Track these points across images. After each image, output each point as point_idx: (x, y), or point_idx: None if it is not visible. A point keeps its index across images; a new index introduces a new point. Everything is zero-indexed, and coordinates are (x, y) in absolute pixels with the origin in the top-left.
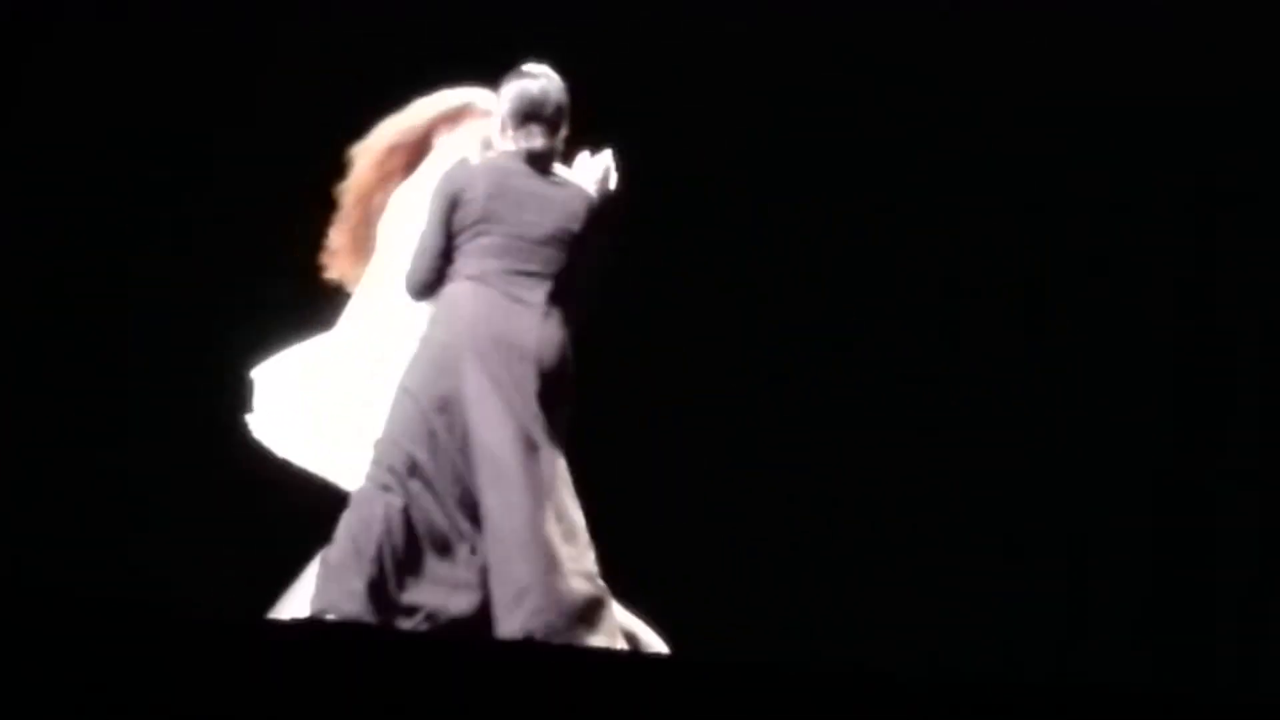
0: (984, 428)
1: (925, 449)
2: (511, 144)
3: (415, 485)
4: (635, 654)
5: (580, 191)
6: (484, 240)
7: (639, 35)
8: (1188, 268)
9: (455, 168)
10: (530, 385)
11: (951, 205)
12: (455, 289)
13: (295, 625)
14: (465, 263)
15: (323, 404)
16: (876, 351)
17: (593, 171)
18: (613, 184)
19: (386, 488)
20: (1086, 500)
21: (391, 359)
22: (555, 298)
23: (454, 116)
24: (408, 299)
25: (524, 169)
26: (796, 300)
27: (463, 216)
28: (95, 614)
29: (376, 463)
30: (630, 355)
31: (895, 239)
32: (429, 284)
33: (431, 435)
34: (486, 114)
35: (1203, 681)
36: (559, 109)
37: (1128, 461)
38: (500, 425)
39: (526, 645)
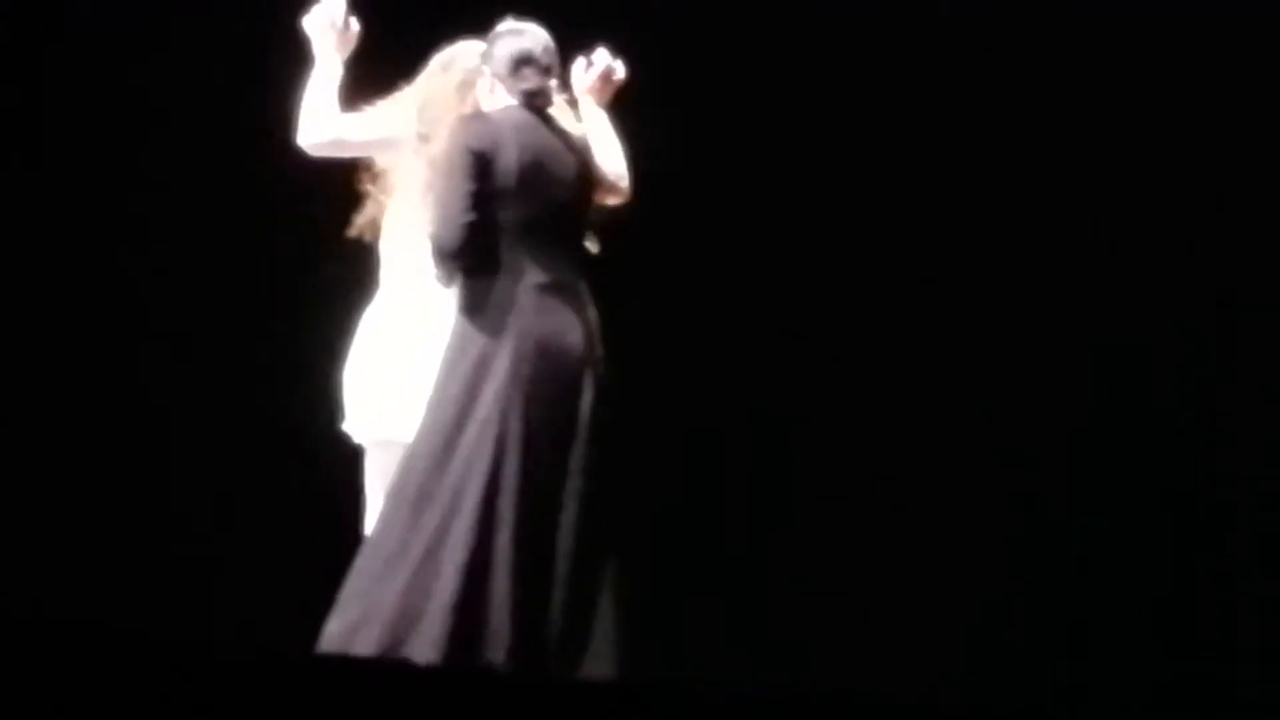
0: (987, 441)
1: (926, 463)
2: (505, 96)
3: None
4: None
5: (587, 143)
6: (520, 212)
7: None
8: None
9: (477, 122)
10: (572, 391)
11: (944, 207)
12: (490, 278)
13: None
14: (495, 239)
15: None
16: (872, 353)
17: (595, 71)
18: (619, 77)
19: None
20: (1097, 522)
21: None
22: (581, 268)
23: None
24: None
25: (536, 122)
26: (795, 299)
27: (495, 183)
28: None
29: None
30: None
31: (878, 266)
32: (464, 249)
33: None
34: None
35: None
36: (550, 53)
37: (1140, 476)
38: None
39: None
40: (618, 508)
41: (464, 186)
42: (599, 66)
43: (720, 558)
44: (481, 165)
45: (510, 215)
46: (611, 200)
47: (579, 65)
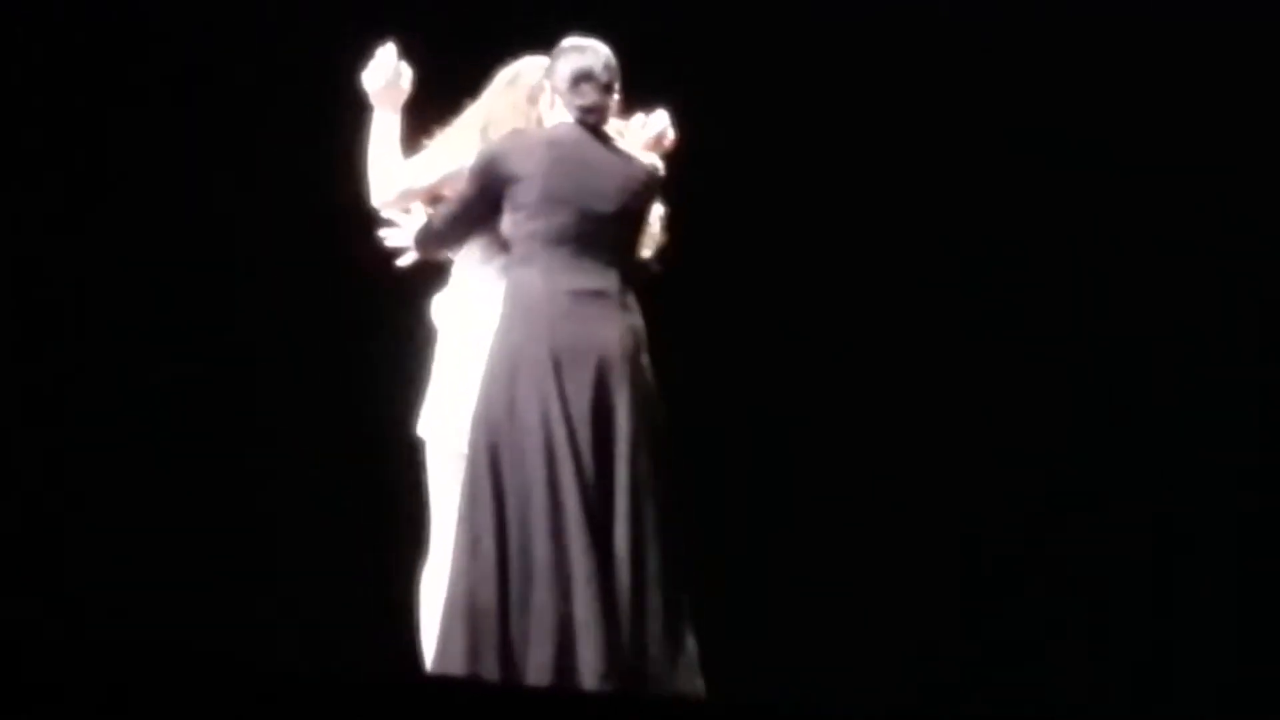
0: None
1: (926, 463)
2: (564, 112)
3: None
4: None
5: (642, 163)
6: (551, 221)
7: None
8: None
9: (506, 139)
10: (610, 395)
11: (943, 207)
12: (527, 282)
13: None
14: (530, 247)
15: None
16: (872, 353)
17: (649, 131)
18: (670, 141)
19: (477, 539)
20: (1095, 521)
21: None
22: (627, 278)
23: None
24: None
25: (582, 136)
26: (795, 299)
27: (519, 194)
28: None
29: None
30: None
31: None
32: (438, 245)
33: (514, 458)
34: (534, 83)
35: None
36: (611, 70)
37: (1135, 476)
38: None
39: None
40: (678, 520)
41: (467, 193)
42: (654, 128)
43: (720, 558)
44: (500, 182)
45: (541, 225)
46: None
47: (637, 119)
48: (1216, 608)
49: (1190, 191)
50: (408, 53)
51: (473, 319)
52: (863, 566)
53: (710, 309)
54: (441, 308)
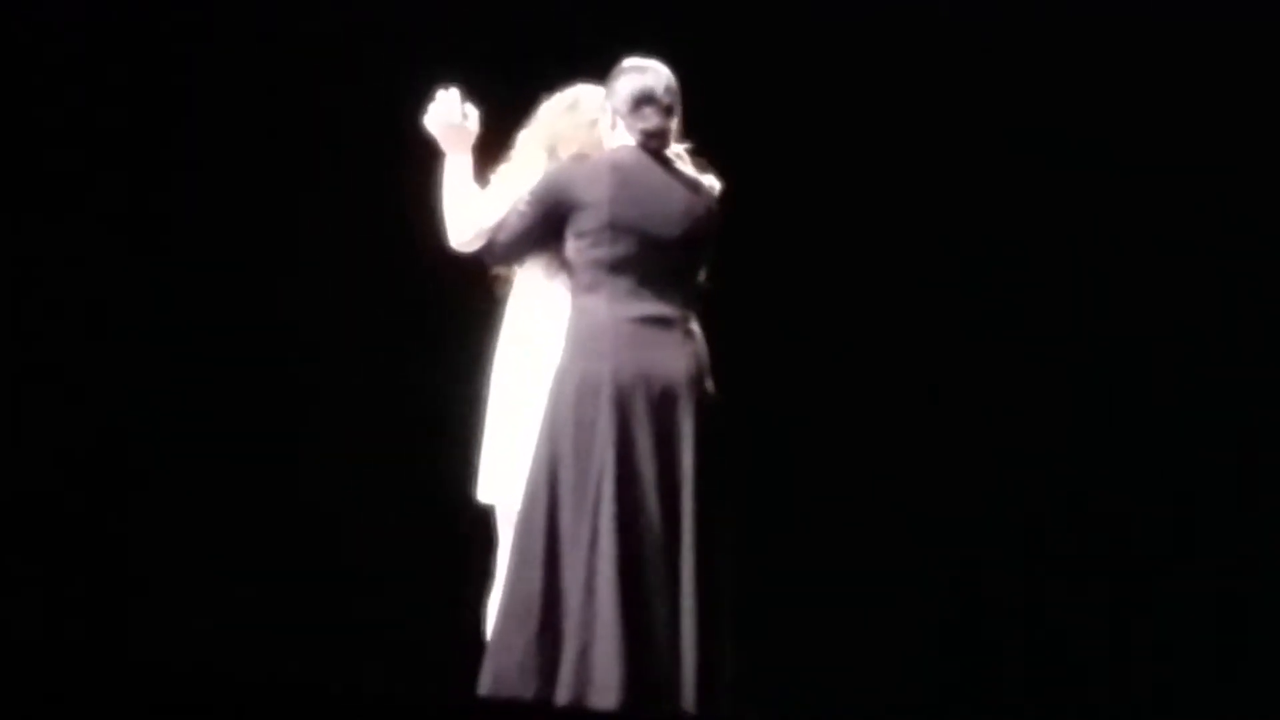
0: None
1: (926, 463)
2: (625, 135)
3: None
4: None
5: (706, 187)
6: (615, 249)
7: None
8: None
9: (571, 164)
10: (673, 421)
11: (942, 207)
12: (591, 309)
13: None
14: (595, 275)
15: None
16: (872, 353)
17: None
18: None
19: (527, 563)
20: (1093, 523)
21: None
22: (690, 305)
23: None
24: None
25: (645, 161)
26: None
27: (583, 221)
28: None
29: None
30: None
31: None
32: (499, 263)
33: (574, 484)
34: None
35: None
36: (672, 92)
37: (1133, 477)
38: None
39: None
40: (732, 546)
41: (534, 222)
42: None
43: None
44: (565, 207)
45: (605, 253)
46: None
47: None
48: (1216, 607)
49: (1190, 191)
50: (466, 90)
51: (533, 356)
52: (862, 567)
53: (709, 309)
54: (503, 344)
